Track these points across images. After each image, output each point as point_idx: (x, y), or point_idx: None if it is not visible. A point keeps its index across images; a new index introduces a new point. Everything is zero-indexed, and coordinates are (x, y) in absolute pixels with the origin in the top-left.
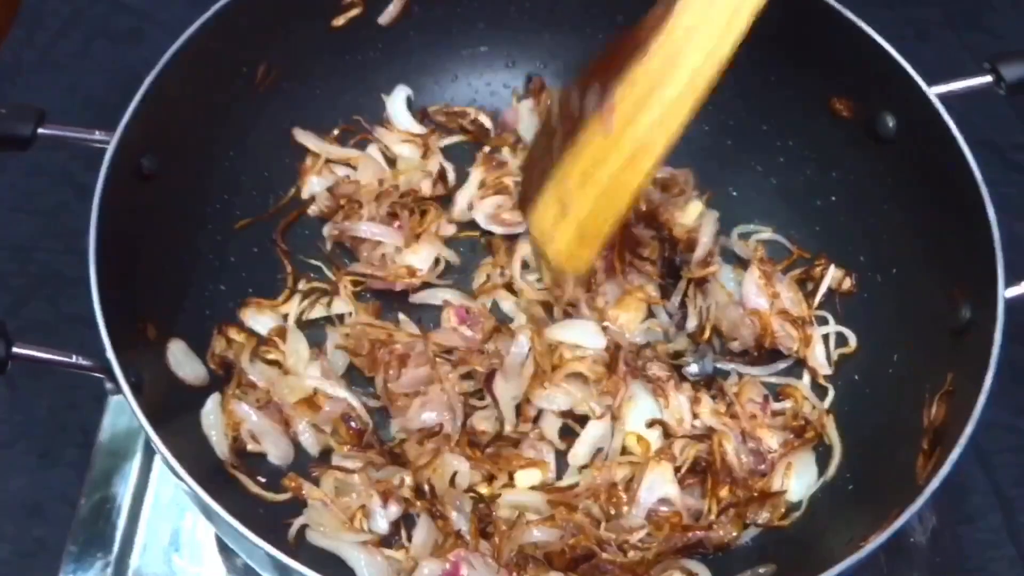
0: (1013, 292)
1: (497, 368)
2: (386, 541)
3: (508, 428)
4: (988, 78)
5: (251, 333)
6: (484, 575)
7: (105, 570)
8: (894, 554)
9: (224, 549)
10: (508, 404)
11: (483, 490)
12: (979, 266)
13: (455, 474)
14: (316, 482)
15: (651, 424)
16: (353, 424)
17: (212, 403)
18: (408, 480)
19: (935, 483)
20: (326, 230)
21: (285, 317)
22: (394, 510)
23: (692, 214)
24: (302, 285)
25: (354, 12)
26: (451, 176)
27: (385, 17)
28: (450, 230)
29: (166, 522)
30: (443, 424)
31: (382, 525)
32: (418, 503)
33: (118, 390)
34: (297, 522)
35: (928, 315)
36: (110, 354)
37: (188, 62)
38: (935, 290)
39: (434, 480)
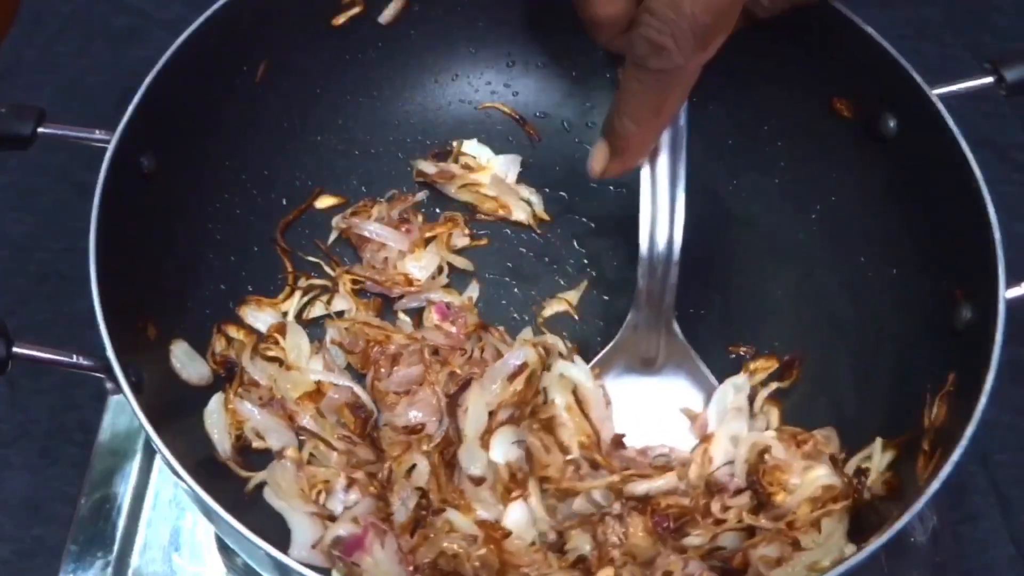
0: (1013, 292)
1: (475, 378)
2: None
3: (463, 460)
4: (989, 78)
5: (250, 331)
6: (385, 559)
7: (105, 570)
8: (894, 554)
9: (224, 549)
10: (473, 422)
11: (433, 496)
12: (979, 266)
13: (413, 467)
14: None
15: None
16: (360, 412)
17: (215, 403)
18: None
19: (936, 483)
20: (335, 220)
21: (285, 314)
22: (353, 498)
23: None
24: (302, 283)
25: (354, 11)
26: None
27: (385, 16)
28: (463, 241)
29: (166, 522)
30: (426, 424)
31: (337, 507)
32: (371, 487)
33: (118, 390)
34: (258, 476)
35: (928, 315)
36: (110, 354)
37: (188, 62)
38: (935, 290)
39: (394, 467)
